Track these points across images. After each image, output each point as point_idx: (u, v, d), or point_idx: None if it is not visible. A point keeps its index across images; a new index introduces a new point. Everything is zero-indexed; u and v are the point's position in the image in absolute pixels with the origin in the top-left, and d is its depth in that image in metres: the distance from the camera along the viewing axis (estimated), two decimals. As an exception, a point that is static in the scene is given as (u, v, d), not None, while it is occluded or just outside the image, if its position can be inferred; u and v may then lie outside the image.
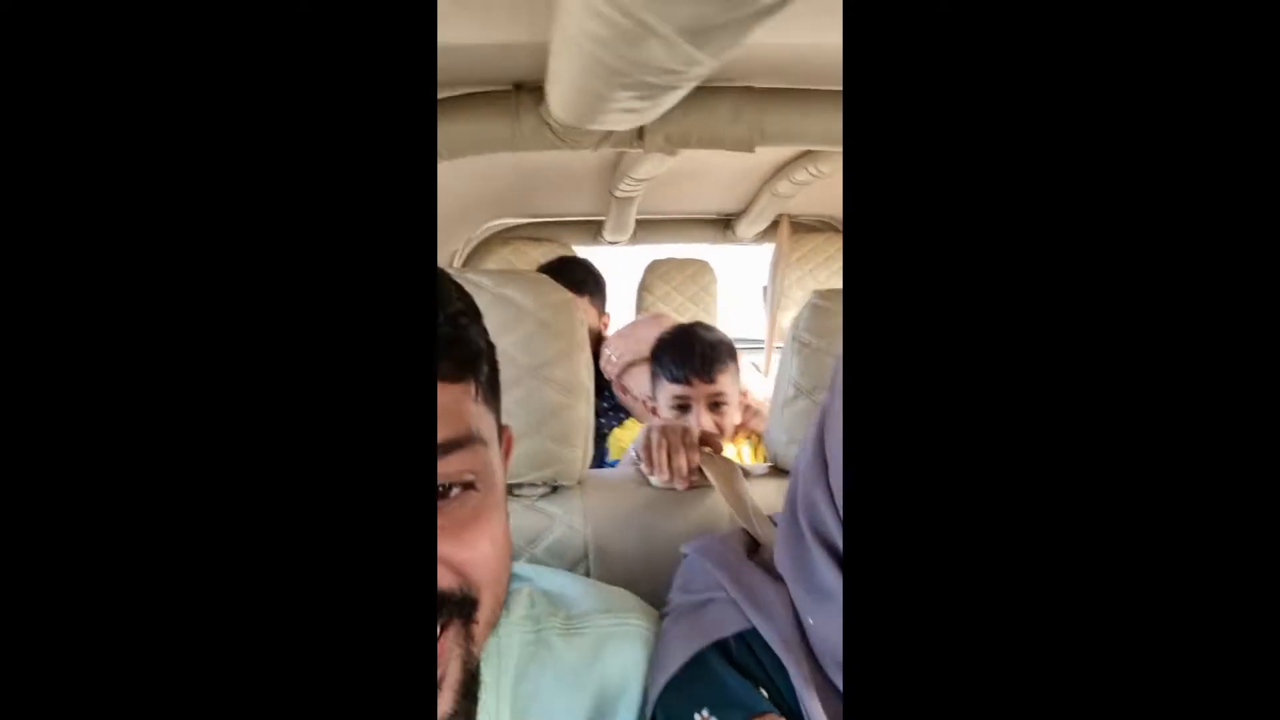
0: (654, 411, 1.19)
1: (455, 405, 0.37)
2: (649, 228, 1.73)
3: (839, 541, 0.47)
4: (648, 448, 0.78)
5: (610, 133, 0.76)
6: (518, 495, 0.72)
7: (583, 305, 1.29)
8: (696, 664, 0.48)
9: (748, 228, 1.67)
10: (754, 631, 0.48)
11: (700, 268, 1.69)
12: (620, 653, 0.50)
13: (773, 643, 0.47)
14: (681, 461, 0.76)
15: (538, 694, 0.47)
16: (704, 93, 0.79)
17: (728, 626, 0.49)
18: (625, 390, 1.34)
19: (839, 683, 0.46)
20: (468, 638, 0.38)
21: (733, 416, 1.14)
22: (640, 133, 0.77)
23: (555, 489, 0.73)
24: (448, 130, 0.75)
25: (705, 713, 0.46)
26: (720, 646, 0.48)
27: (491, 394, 0.41)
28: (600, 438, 1.35)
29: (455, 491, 0.37)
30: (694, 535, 0.73)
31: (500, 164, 1.34)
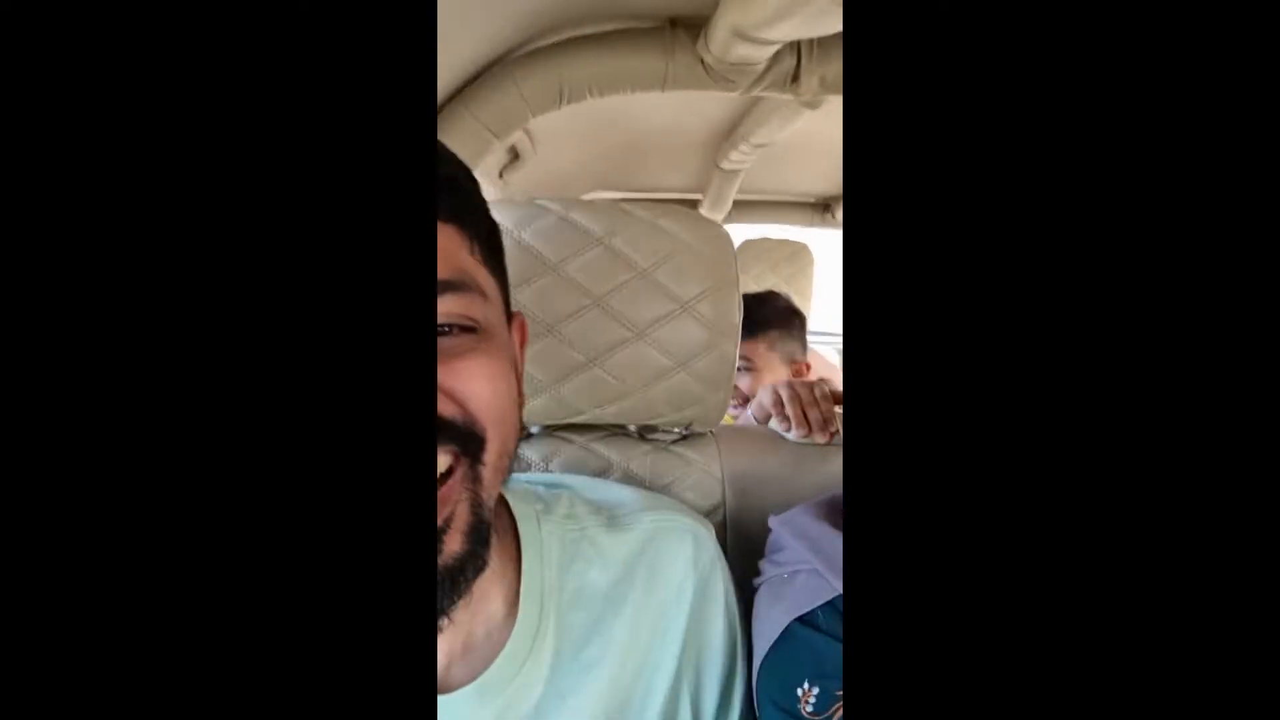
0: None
1: (449, 245, 0.37)
2: (745, 208, 1.70)
3: None
4: (779, 403, 0.76)
5: (764, 73, 0.74)
6: (652, 438, 0.71)
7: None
8: (788, 639, 0.48)
9: (847, 210, 1.64)
10: (841, 598, 0.47)
11: (798, 249, 1.66)
12: (669, 546, 0.50)
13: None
14: (817, 413, 0.73)
15: (584, 586, 0.47)
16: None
17: (815, 598, 0.48)
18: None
19: None
20: (475, 479, 0.37)
21: (760, 381, 1.11)
22: (796, 74, 0.75)
23: (688, 436, 0.72)
24: (598, 66, 0.74)
25: (806, 685, 0.46)
26: (809, 619, 0.48)
27: (492, 258, 0.41)
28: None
29: (453, 331, 0.37)
30: (826, 486, 0.70)
31: (608, 135, 1.33)
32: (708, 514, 0.68)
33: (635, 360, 0.63)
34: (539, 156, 1.27)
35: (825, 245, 1.78)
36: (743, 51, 0.67)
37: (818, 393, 0.77)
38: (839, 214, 1.66)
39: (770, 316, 1.15)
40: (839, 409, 0.77)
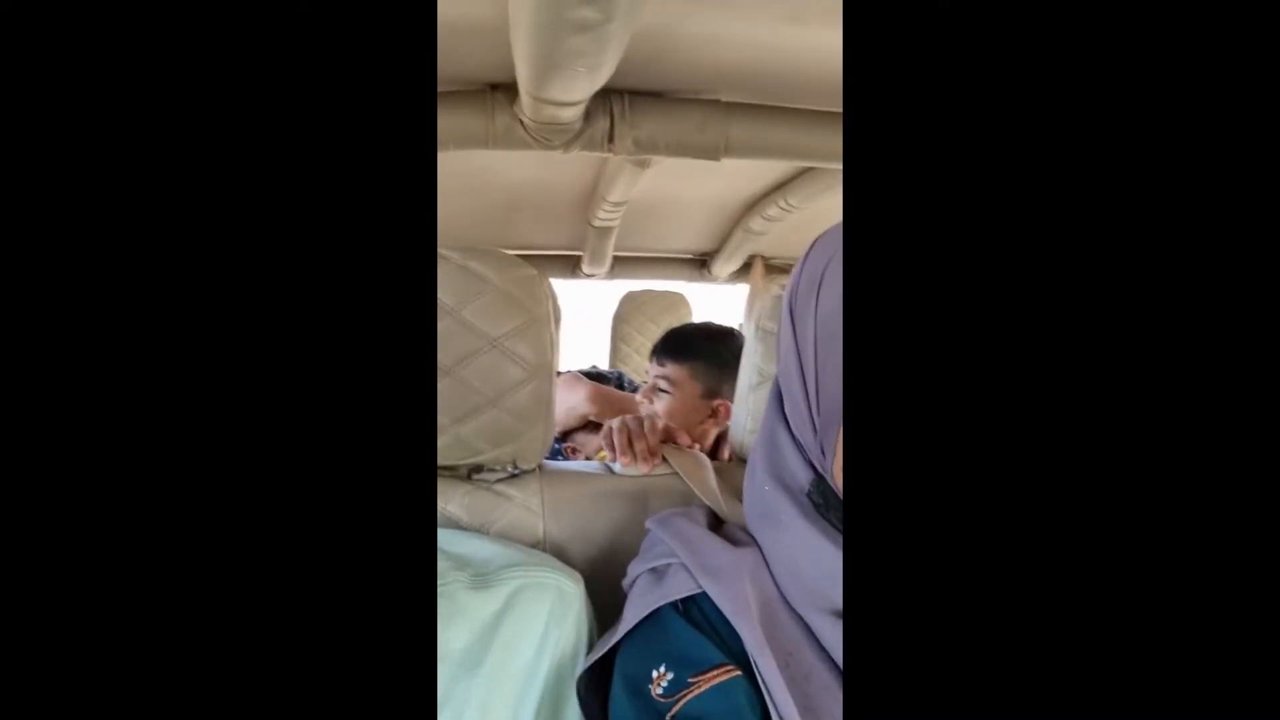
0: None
1: None
2: (626, 264, 1.77)
3: (800, 478, 0.49)
4: (608, 435, 0.79)
5: (580, 133, 0.80)
6: (478, 478, 0.72)
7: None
8: (652, 621, 0.48)
9: (723, 266, 1.72)
10: (705, 595, 0.49)
11: (676, 299, 1.73)
12: (531, 602, 0.50)
13: (722, 605, 0.47)
14: (642, 445, 0.77)
15: (441, 645, 0.46)
16: (672, 102, 0.84)
17: (682, 589, 0.50)
18: (576, 451, 1.34)
19: (810, 618, 0.47)
20: None
21: (673, 406, 1.13)
22: (610, 136, 0.81)
23: (515, 475, 0.74)
24: None
25: (663, 668, 0.47)
26: (675, 606, 0.49)
27: None
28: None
29: None
30: (646, 517, 0.73)
31: (485, 192, 1.38)
32: (531, 548, 0.70)
33: (446, 396, 0.65)
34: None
35: (704, 298, 1.86)
36: (548, 112, 0.73)
37: (647, 425, 0.81)
38: (715, 269, 1.74)
39: (696, 348, 1.15)
40: (677, 444, 0.81)
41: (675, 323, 1.71)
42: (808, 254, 0.52)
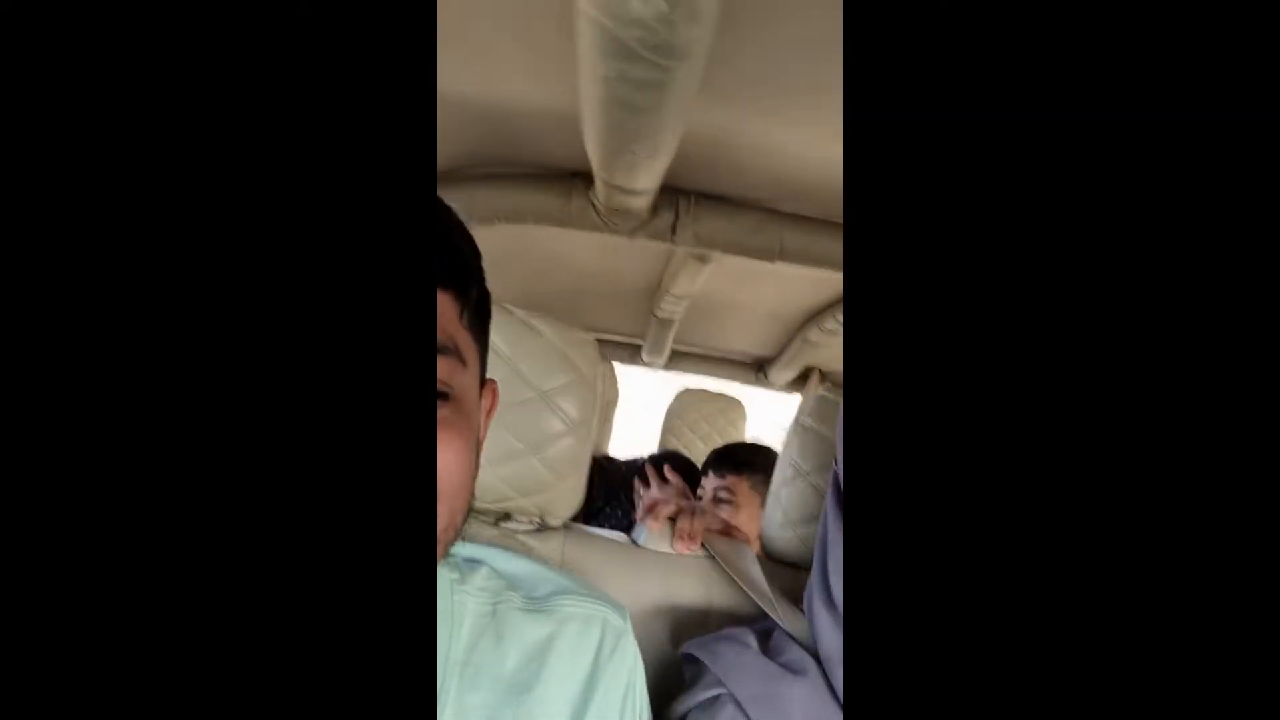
0: None
1: (441, 309, 0.38)
2: (685, 359, 1.82)
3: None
4: (650, 504, 0.82)
5: (646, 222, 0.87)
6: (504, 526, 0.76)
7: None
8: None
9: (779, 373, 1.75)
10: None
11: (731, 403, 1.76)
12: (580, 634, 0.49)
13: None
14: (687, 524, 0.78)
15: (486, 666, 0.46)
16: (732, 205, 0.92)
17: None
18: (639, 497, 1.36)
19: None
20: None
21: (736, 517, 1.16)
22: (674, 228, 0.88)
23: (541, 529, 0.77)
24: (503, 198, 0.88)
25: None
26: None
27: (478, 323, 0.43)
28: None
29: None
30: (661, 598, 0.74)
31: (556, 272, 1.48)
32: None
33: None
34: (492, 290, 1.40)
35: (759, 403, 1.89)
36: (619, 200, 0.81)
37: (697, 511, 0.83)
38: (771, 375, 1.77)
39: (760, 463, 1.22)
40: (722, 538, 0.81)
41: (729, 426, 1.74)
42: None
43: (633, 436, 1.99)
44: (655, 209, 0.88)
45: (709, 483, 1.23)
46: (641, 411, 1.54)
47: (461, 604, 0.47)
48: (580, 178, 0.87)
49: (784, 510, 0.77)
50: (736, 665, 0.49)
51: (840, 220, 0.93)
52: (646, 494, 1.31)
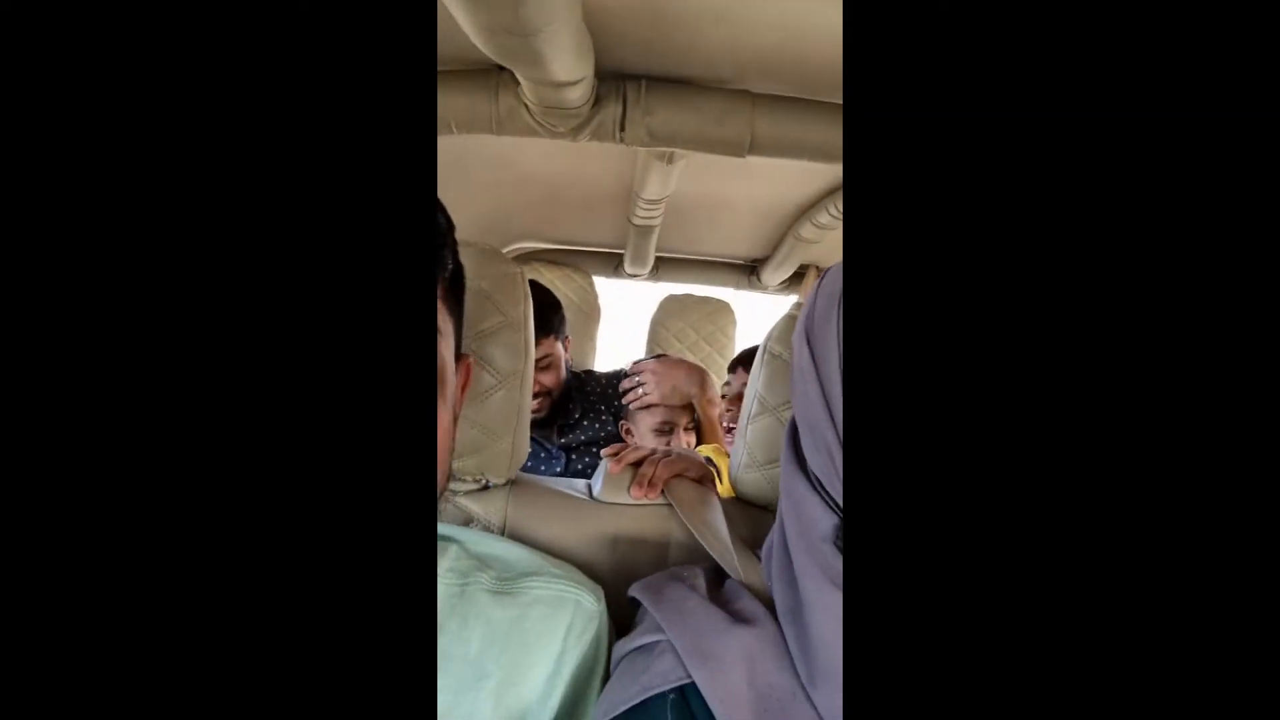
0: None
1: None
2: (671, 266, 1.70)
3: (823, 525, 0.43)
4: (612, 452, 0.73)
5: (588, 120, 0.73)
6: (449, 488, 0.67)
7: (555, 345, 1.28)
8: (640, 713, 0.43)
9: (772, 274, 1.63)
10: (694, 685, 0.43)
11: (719, 307, 1.65)
12: (549, 616, 0.48)
13: (711, 699, 0.42)
14: (649, 470, 0.70)
15: (452, 649, 0.45)
16: (692, 90, 0.77)
17: (669, 676, 0.44)
18: (630, 433, 1.30)
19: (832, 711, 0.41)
20: None
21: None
22: (622, 124, 0.74)
23: (485, 487, 0.68)
24: None
25: None
26: (663, 697, 0.44)
27: (452, 296, 0.42)
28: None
29: None
30: (601, 545, 0.66)
31: (529, 188, 1.34)
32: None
33: None
34: (464, 208, 1.27)
35: (750, 306, 1.77)
36: (548, 95, 0.67)
37: (659, 454, 0.74)
38: (764, 276, 1.65)
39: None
40: (689, 484, 0.72)
41: (717, 332, 1.64)
42: (825, 273, 0.47)
43: (619, 350, 1.90)
44: (598, 101, 0.73)
45: (735, 379, 1.25)
46: (630, 324, 1.43)
47: None
48: (507, 72, 0.72)
49: (749, 449, 0.67)
50: (680, 612, 0.47)
51: (821, 99, 0.78)
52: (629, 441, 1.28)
